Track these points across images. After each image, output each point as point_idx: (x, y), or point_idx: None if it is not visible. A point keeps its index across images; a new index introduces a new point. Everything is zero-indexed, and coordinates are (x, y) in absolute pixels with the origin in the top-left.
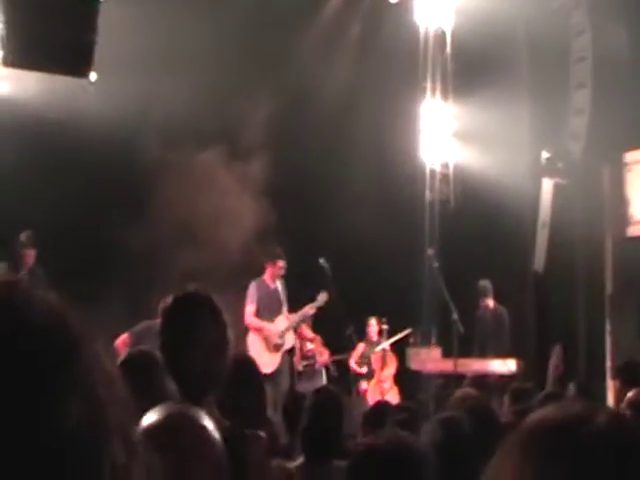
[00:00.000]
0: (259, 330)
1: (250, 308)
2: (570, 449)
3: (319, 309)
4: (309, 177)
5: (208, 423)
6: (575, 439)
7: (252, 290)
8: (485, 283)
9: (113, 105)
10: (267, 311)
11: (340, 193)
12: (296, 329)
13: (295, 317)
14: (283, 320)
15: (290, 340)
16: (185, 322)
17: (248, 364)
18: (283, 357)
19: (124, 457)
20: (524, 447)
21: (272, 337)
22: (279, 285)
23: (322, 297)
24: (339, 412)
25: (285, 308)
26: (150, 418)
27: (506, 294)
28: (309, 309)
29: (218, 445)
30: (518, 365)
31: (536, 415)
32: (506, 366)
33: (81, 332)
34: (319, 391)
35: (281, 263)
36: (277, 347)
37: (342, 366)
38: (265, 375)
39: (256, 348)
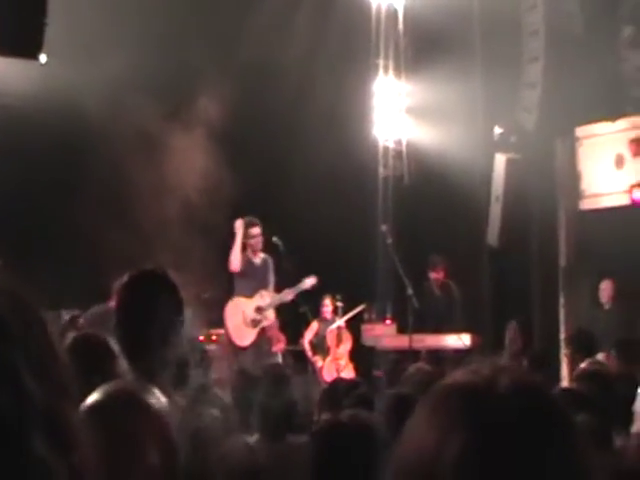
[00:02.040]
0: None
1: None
2: (471, 414)
3: (303, 293)
4: (260, 155)
5: (155, 400)
6: (476, 404)
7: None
8: (434, 257)
9: (63, 86)
10: (250, 287)
11: (293, 170)
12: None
13: (276, 297)
14: (265, 296)
15: (270, 317)
16: (141, 299)
17: (198, 342)
18: (260, 333)
19: (46, 450)
20: (430, 413)
21: (250, 312)
22: (267, 261)
23: (309, 281)
24: (290, 388)
25: (271, 286)
26: (94, 397)
27: (461, 269)
28: (290, 293)
29: (165, 422)
30: (473, 340)
31: (445, 380)
32: (461, 341)
33: (31, 316)
34: (270, 368)
35: (255, 230)
36: (254, 322)
37: (297, 349)
38: (240, 348)
39: (233, 320)
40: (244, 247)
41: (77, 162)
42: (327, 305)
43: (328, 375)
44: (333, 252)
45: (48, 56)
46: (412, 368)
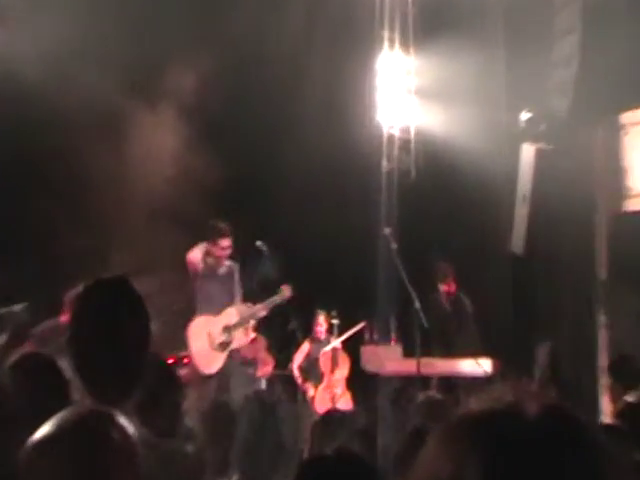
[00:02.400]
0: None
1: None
2: (493, 441)
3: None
4: (243, 141)
5: (119, 431)
6: (499, 431)
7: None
8: (443, 265)
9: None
10: (213, 302)
11: (281, 160)
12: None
13: (246, 314)
14: (232, 313)
15: (240, 338)
16: (98, 313)
17: (166, 365)
18: (230, 357)
19: None
20: (447, 443)
21: (217, 333)
22: (232, 269)
23: (283, 293)
24: (276, 421)
25: (238, 298)
26: (45, 427)
27: (479, 281)
28: (263, 308)
29: (131, 456)
30: (494, 365)
31: (462, 408)
32: (480, 367)
33: None
34: (254, 397)
35: (224, 242)
36: (223, 345)
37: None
38: (207, 376)
39: (198, 343)
40: (208, 253)
41: (21, 146)
42: (321, 324)
43: (321, 405)
44: (328, 259)
45: None
46: (422, 396)
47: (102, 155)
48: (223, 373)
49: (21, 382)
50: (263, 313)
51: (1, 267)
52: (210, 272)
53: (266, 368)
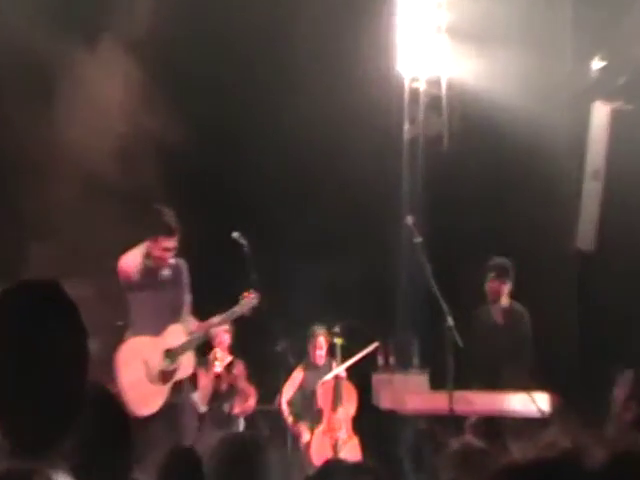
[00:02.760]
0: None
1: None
2: None
3: (240, 319)
4: (220, 94)
5: None
6: None
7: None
8: (500, 262)
9: None
10: (152, 318)
11: (274, 125)
12: (201, 347)
13: (198, 330)
14: (178, 331)
15: (188, 365)
16: (16, 328)
17: (110, 399)
18: (175, 390)
19: None
20: None
21: (157, 359)
22: (178, 270)
23: (247, 301)
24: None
25: (186, 310)
26: None
27: (532, 287)
28: (219, 322)
29: None
30: (552, 402)
31: (509, 460)
32: (533, 404)
33: None
34: (228, 443)
35: (167, 242)
36: (165, 375)
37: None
38: (145, 418)
39: (131, 374)
40: (147, 254)
41: None
42: (319, 345)
43: (319, 454)
44: (330, 258)
45: None
46: (455, 443)
47: (25, 114)
48: (169, 412)
49: None
50: (220, 329)
51: None
52: (148, 278)
53: (247, 403)
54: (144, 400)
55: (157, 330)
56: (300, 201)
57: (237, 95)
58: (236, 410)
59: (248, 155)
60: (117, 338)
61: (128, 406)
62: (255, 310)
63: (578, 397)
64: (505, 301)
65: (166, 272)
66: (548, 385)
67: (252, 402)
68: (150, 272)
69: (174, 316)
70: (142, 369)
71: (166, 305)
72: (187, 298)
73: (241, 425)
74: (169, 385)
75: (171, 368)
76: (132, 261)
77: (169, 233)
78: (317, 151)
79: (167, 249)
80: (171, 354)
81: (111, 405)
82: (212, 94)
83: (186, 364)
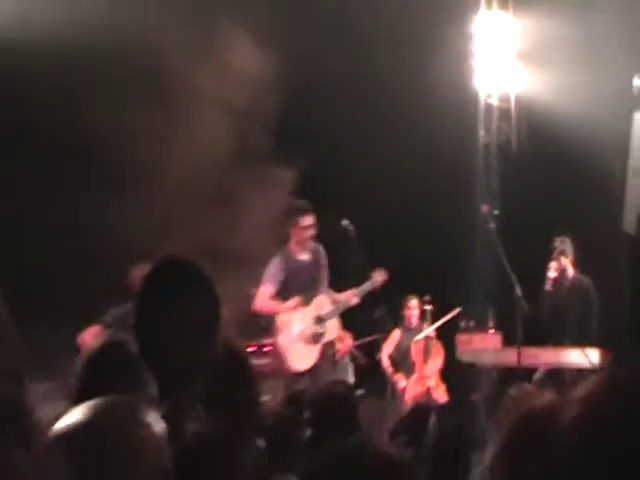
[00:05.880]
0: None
1: (265, 290)
2: (536, 444)
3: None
4: (328, 120)
5: (150, 424)
6: (540, 433)
7: (272, 268)
8: (563, 240)
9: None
10: (299, 292)
11: (369, 135)
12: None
13: (339, 302)
14: (324, 302)
15: (334, 329)
16: (164, 296)
17: (239, 353)
18: (324, 350)
19: None
20: (505, 441)
21: (308, 324)
22: (317, 253)
23: (376, 278)
24: (350, 422)
25: (324, 286)
26: (72, 416)
27: (587, 264)
28: (354, 295)
29: (157, 451)
30: (602, 357)
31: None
32: (587, 358)
33: None
34: (325, 390)
35: (306, 221)
36: (316, 337)
37: (373, 354)
38: (299, 373)
39: (287, 337)
40: (289, 249)
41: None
42: (412, 308)
43: (413, 398)
44: (419, 239)
45: None
46: (513, 390)
47: (155, 119)
48: (317, 369)
49: (101, 376)
50: (355, 300)
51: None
52: (292, 263)
53: (345, 345)
54: (300, 358)
55: (307, 301)
56: (393, 193)
57: (341, 112)
58: (340, 351)
59: (349, 158)
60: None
61: (287, 362)
62: (382, 285)
63: (626, 355)
64: (570, 273)
65: (305, 257)
66: (602, 343)
67: (350, 342)
68: (291, 260)
69: (317, 290)
70: (297, 332)
71: (310, 281)
72: (325, 275)
73: (350, 372)
74: (318, 346)
75: (320, 331)
76: (273, 267)
77: (305, 211)
78: (410, 153)
79: (308, 227)
80: (320, 320)
81: (238, 358)
82: (317, 114)
83: (332, 328)
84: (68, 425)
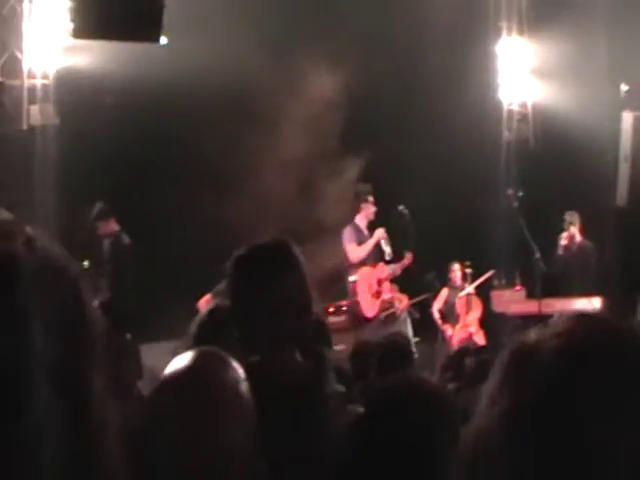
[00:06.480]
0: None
1: (352, 247)
2: (519, 372)
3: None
4: (383, 123)
5: (235, 368)
6: (524, 362)
7: (347, 235)
8: (571, 214)
9: (184, 66)
10: (369, 257)
11: (416, 136)
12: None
13: (391, 270)
14: (384, 269)
15: (387, 290)
16: (256, 271)
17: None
18: (381, 306)
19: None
20: (496, 372)
21: (373, 284)
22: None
23: (408, 257)
24: (407, 362)
25: (387, 252)
26: (175, 363)
27: (589, 231)
28: (397, 267)
29: (241, 389)
30: (603, 304)
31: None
32: (591, 305)
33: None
34: (386, 341)
35: (372, 198)
36: (377, 294)
37: (425, 309)
38: (366, 319)
39: (363, 289)
40: (357, 212)
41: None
42: (456, 271)
43: (458, 342)
44: (460, 217)
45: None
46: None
47: (262, 143)
48: (379, 322)
49: (208, 335)
50: (398, 272)
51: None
52: (361, 235)
53: (402, 304)
54: (368, 307)
55: (372, 264)
56: (435, 180)
57: (389, 118)
58: (399, 308)
59: (399, 155)
60: (327, 277)
61: (362, 310)
62: (411, 264)
63: (618, 303)
64: (577, 239)
65: (367, 232)
66: (603, 293)
67: (406, 301)
68: (360, 232)
69: (379, 258)
70: (367, 288)
71: (373, 251)
72: (387, 249)
73: (409, 324)
74: (379, 301)
75: (380, 289)
76: (349, 233)
77: (371, 192)
78: (449, 149)
79: (374, 203)
80: (380, 282)
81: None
82: (374, 120)
83: (386, 289)
84: (175, 369)
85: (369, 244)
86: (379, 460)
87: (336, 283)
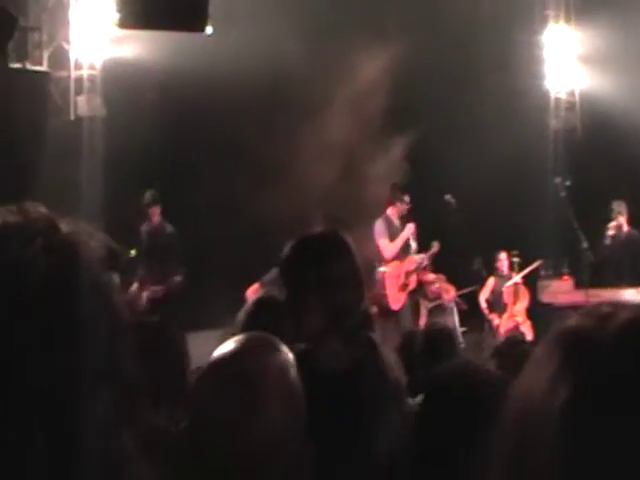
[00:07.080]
0: (396, 266)
1: (385, 242)
2: (579, 358)
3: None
4: (431, 113)
5: (284, 351)
6: (583, 347)
7: (380, 228)
8: (619, 203)
9: (226, 56)
10: (400, 252)
11: (464, 126)
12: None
13: (419, 262)
14: (415, 260)
15: (414, 282)
16: (306, 260)
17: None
18: (407, 297)
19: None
20: (543, 356)
21: (401, 276)
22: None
23: (435, 247)
24: (452, 350)
25: (413, 249)
26: (222, 347)
27: (637, 220)
28: (425, 258)
29: (290, 372)
30: None
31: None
32: (639, 294)
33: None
34: (430, 330)
35: (407, 198)
36: (403, 286)
37: (472, 300)
38: (393, 311)
39: (391, 282)
40: (389, 205)
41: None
42: (502, 259)
43: (505, 332)
44: (508, 206)
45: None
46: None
47: (310, 135)
48: (404, 311)
49: (255, 321)
50: (426, 263)
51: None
52: (393, 228)
53: (449, 295)
54: (394, 299)
55: (401, 258)
56: (481, 169)
57: (435, 106)
58: (446, 298)
59: (445, 143)
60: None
61: (388, 302)
62: (459, 242)
63: None
64: (625, 229)
65: (398, 223)
66: None
67: (453, 293)
68: (392, 225)
69: (407, 250)
70: (394, 280)
71: (404, 246)
72: (413, 242)
73: (455, 315)
74: (405, 293)
75: (407, 282)
76: (381, 226)
77: (406, 192)
78: (499, 138)
79: (408, 203)
80: (407, 274)
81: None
82: (421, 108)
83: (413, 281)
84: (220, 353)
85: (401, 239)
86: (449, 444)
87: (371, 274)
